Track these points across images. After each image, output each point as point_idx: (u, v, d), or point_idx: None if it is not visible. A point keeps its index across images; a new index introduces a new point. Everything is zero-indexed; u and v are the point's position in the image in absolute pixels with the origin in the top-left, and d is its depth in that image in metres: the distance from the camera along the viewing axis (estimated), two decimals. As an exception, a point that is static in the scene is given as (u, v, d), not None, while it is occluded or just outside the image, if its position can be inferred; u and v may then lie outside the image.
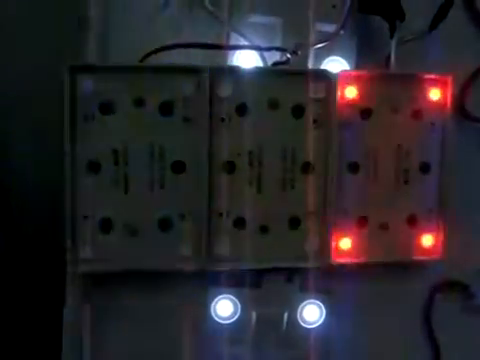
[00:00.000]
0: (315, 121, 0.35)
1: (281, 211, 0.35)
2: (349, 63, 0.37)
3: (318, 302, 0.37)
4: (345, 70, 0.37)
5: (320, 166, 0.36)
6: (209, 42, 0.35)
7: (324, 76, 0.35)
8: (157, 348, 0.37)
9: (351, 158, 0.36)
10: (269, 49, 0.36)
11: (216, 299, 0.36)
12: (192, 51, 0.34)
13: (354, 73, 0.36)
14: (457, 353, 0.40)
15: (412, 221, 0.37)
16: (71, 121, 0.33)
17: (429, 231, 0.37)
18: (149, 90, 0.34)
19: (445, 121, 0.37)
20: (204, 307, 0.36)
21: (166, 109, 0.34)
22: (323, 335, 0.37)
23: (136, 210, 0.34)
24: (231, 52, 0.36)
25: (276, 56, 0.36)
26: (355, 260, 0.37)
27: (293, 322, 0.37)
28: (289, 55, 0.35)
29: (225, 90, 0.34)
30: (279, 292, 0.37)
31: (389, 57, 0.36)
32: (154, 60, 0.34)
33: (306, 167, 0.36)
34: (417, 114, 0.37)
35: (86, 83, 0.33)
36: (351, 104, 0.36)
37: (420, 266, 0.39)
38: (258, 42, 0.36)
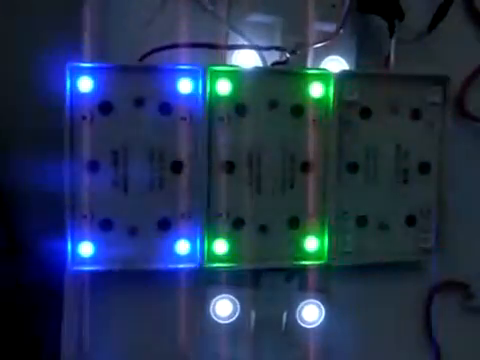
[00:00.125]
0: (314, 121, 0.35)
1: (280, 211, 0.35)
2: (348, 63, 0.37)
3: (317, 302, 0.37)
4: (344, 70, 0.37)
5: (319, 166, 0.36)
6: (208, 42, 0.35)
7: (323, 76, 0.35)
8: (156, 347, 0.37)
9: (350, 158, 0.36)
10: (268, 49, 0.36)
11: (215, 299, 0.36)
12: (191, 51, 0.34)
13: (354, 73, 0.36)
14: (457, 353, 0.40)
15: (411, 221, 0.37)
16: (71, 121, 0.33)
17: (428, 231, 0.37)
18: (148, 90, 0.34)
19: (444, 121, 0.37)
20: (203, 307, 0.36)
21: (165, 109, 0.34)
22: (322, 335, 0.37)
23: (135, 210, 0.34)
24: (230, 52, 0.36)
25: (275, 56, 0.36)
26: (354, 260, 0.36)
27: (292, 322, 0.37)
28: (288, 55, 0.35)
29: (224, 90, 0.34)
30: (278, 292, 0.36)
31: (388, 57, 0.36)
32: (153, 60, 0.34)
33: (305, 167, 0.36)
34: (416, 114, 0.37)
35: (85, 83, 0.33)
36: (350, 104, 0.36)
37: (419, 266, 0.39)
38: (257, 42, 0.36)
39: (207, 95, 0.34)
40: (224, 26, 0.36)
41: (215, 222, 0.35)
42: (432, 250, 0.37)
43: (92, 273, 0.35)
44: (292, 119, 0.35)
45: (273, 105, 0.35)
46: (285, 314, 0.37)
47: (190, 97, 0.34)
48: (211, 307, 0.36)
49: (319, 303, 0.37)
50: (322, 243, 0.36)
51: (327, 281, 0.37)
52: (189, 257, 0.35)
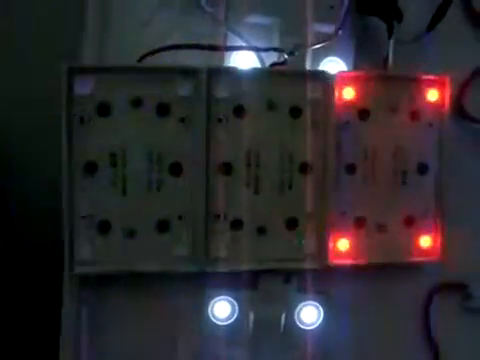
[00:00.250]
0: (313, 122, 0.35)
1: (278, 212, 0.35)
2: (347, 64, 0.37)
3: (316, 303, 0.37)
4: (343, 71, 0.37)
5: (318, 167, 0.36)
6: (206, 43, 0.35)
7: (322, 77, 0.35)
8: (155, 349, 0.37)
9: (349, 159, 0.36)
10: (267, 50, 0.35)
11: (214, 300, 0.36)
12: (189, 52, 0.34)
13: (352, 74, 0.36)
14: (456, 353, 0.40)
15: (410, 222, 0.37)
16: (68, 122, 0.33)
17: (427, 232, 0.37)
18: (146, 91, 0.34)
19: (443, 122, 0.37)
20: (202, 308, 0.36)
21: (163, 110, 0.34)
22: (321, 336, 0.37)
23: (134, 212, 0.34)
24: (228, 53, 0.36)
25: (274, 57, 0.36)
26: (353, 261, 0.36)
27: (291, 323, 0.37)
28: (287, 56, 0.35)
29: (222, 91, 0.34)
30: (277, 293, 0.36)
31: (387, 58, 0.36)
32: (151, 61, 0.34)
33: (304, 168, 0.35)
34: (415, 115, 0.37)
35: (83, 84, 0.33)
36: (349, 105, 0.36)
37: (418, 267, 0.39)
38: (255, 43, 0.36)
39: (205, 96, 0.34)
40: (222, 27, 0.36)
41: (213, 224, 0.35)
42: (431, 251, 0.37)
43: (90, 275, 0.35)
44: (290, 120, 0.35)
45: (271, 106, 0.35)
46: (284, 315, 0.37)
47: (188, 98, 0.34)
48: (210, 309, 0.36)
49: (318, 304, 0.37)
50: (321, 244, 0.36)
51: (326, 282, 0.37)
52: (187, 259, 0.35)
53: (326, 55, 0.37)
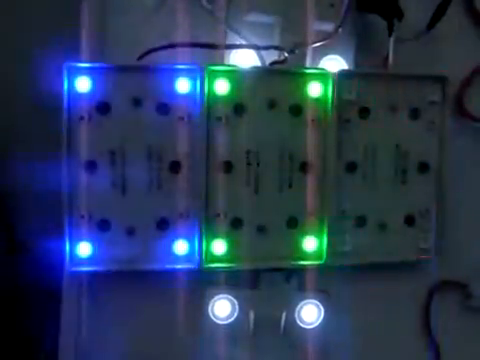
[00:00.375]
0: (313, 120, 0.35)
1: (279, 211, 0.35)
2: (347, 62, 0.37)
3: (316, 302, 0.37)
4: (343, 69, 0.36)
5: (318, 166, 0.35)
6: (206, 41, 0.35)
7: (322, 75, 0.35)
8: (154, 348, 0.37)
9: (349, 158, 0.36)
10: (267, 48, 0.35)
11: (214, 299, 0.36)
12: (189, 50, 0.34)
13: (352, 72, 0.36)
14: (456, 353, 0.40)
15: (410, 221, 0.37)
16: (68, 121, 0.33)
17: (427, 231, 0.37)
18: (146, 90, 0.34)
19: (444, 120, 0.37)
20: (202, 307, 0.36)
21: (163, 109, 0.34)
22: (321, 335, 0.37)
23: (133, 210, 0.34)
24: (228, 51, 0.36)
25: (274, 55, 0.36)
26: (353, 260, 0.36)
27: (291, 322, 0.37)
28: (287, 54, 0.35)
29: (222, 90, 0.34)
30: (277, 292, 0.36)
31: (387, 56, 0.36)
32: (151, 60, 0.34)
33: (304, 167, 0.35)
34: (415, 113, 0.37)
35: (83, 83, 0.33)
36: (349, 103, 0.36)
37: (418, 266, 0.39)
38: (255, 41, 0.36)
39: (205, 95, 0.34)
40: (222, 26, 0.36)
41: (213, 222, 0.35)
42: (431, 250, 0.37)
43: (90, 273, 0.35)
44: (290, 119, 0.35)
45: (271, 105, 0.35)
46: (284, 314, 0.37)
47: (188, 97, 0.34)
48: (210, 307, 0.36)
49: (318, 303, 0.37)
50: (321, 243, 0.36)
51: (326, 281, 0.37)
52: (187, 257, 0.35)
53: (326, 53, 0.37)
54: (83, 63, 0.34)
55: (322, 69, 0.36)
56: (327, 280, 0.37)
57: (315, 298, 0.37)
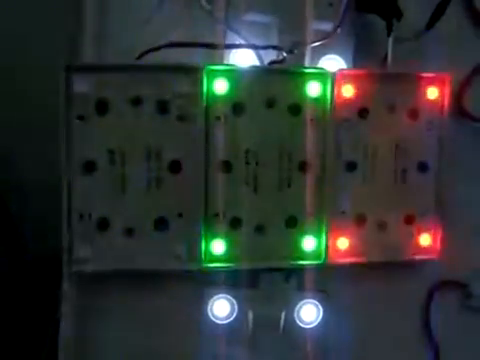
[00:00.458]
0: (312, 120, 0.35)
1: (278, 211, 0.35)
2: (346, 62, 0.37)
3: (315, 302, 0.37)
4: (342, 69, 0.36)
5: (317, 165, 0.35)
6: (205, 41, 0.35)
7: (321, 75, 0.35)
8: (153, 348, 0.37)
9: (348, 157, 0.36)
10: (265, 48, 0.35)
11: (213, 299, 0.36)
12: (188, 50, 0.34)
13: (351, 72, 0.36)
14: (456, 352, 0.40)
15: (410, 220, 0.37)
16: (67, 121, 0.33)
17: (427, 230, 0.37)
18: (145, 89, 0.34)
19: (443, 120, 0.37)
20: (201, 307, 0.36)
21: (162, 108, 0.34)
22: (321, 335, 0.37)
23: (132, 210, 0.34)
24: (227, 51, 0.36)
25: (273, 55, 0.36)
26: (353, 260, 0.36)
27: (290, 322, 0.37)
28: (285, 54, 0.35)
29: (222, 89, 0.34)
30: (276, 292, 0.36)
31: (386, 56, 0.36)
32: (150, 59, 0.34)
33: (303, 166, 0.35)
34: (415, 113, 0.37)
35: (82, 82, 0.33)
36: (348, 103, 0.36)
37: (418, 265, 0.39)
38: (254, 41, 0.36)
39: (204, 94, 0.34)
40: (221, 25, 0.36)
41: (212, 222, 0.35)
42: (430, 249, 0.37)
43: (89, 273, 0.35)
44: (289, 118, 0.35)
45: (270, 104, 0.35)
46: (283, 314, 0.37)
47: (187, 96, 0.34)
48: (209, 307, 0.36)
49: (317, 303, 0.37)
50: (320, 243, 0.36)
51: (325, 281, 0.37)
52: (186, 257, 0.35)
53: (325, 53, 0.37)
54: (82, 63, 0.34)
55: (321, 69, 0.36)
56: (326, 280, 0.37)
57: (314, 298, 0.37)
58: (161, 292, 0.36)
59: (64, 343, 0.36)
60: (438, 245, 0.37)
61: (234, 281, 0.36)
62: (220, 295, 0.36)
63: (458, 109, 0.39)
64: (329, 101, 0.35)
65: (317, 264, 0.36)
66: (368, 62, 0.38)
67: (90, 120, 0.33)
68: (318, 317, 0.37)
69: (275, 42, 0.36)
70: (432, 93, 0.37)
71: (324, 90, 0.35)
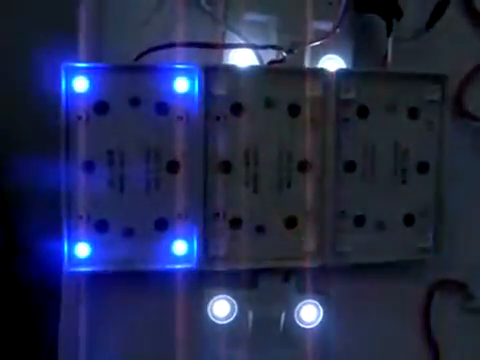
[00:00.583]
0: (312, 120, 0.35)
1: (277, 211, 0.35)
2: (346, 61, 0.37)
3: (315, 302, 0.37)
4: (342, 68, 0.36)
5: (317, 165, 0.35)
6: (205, 41, 0.35)
7: (321, 74, 0.35)
8: (153, 349, 0.37)
9: (348, 157, 0.36)
10: (265, 47, 0.35)
11: (213, 299, 0.36)
12: (187, 50, 0.34)
13: (351, 71, 0.36)
14: (456, 353, 0.40)
15: (409, 220, 0.37)
16: (66, 121, 0.33)
17: (426, 230, 0.37)
18: (144, 90, 0.34)
19: (443, 120, 0.37)
20: (201, 307, 0.36)
21: (161, 109, 0.34)
22: (321, 335, 0.37)
23: (132, 210, 0.34)
24: (227, 51, 0.36)
25: (272, 54, 0.36)
26: (352, 260, 0.36)
27: (290, 322, 0.37)
28: (285, 53, 0.35)
29: (220, 89, 0.34)
30: (276, 292, 0.36)
31: (386, 55, 0.36)
32: (149, 59, 0.34)
33: (303, 166, 0.35)
34: (414, 113, 0.37)
35: (81, 83, 0.33)
36: (348, 103, 0.36)
37: (418, 266, 0.39)
38: (254, 40, 0.36)
39: (203, 94, 0.34)
40: (221, 25, 0.36)
41: (212, 222, 0.35)
42: (430, 250, 0.37)
43: (89, 274, 0.35)
44: (289, 118, 0.35)
45: (270, 104, 0.35)
46: (283, 314, 0.36)
47: (186, 96, 0.34)
48: (209, 308, 0.36)
49: (317, 303, 0.37)
50: (320, 242, 0.36)
51: (325, 281, 0.37)
52: (186, 257, 0.35)
53: (325, 53, 0.37)
54: (81, 63, 0.34)
55: (321, 69, 0.36)
56: (326, 280, 0.37)
57: (314, 298, 0.37)
58: (160, 293, 0.36)
59: (64, 343, 0.36)
60: (438, 245, 0.37)
61: (234, 282, 0.36)
62: (220, 295, 0.36)
63: (458, 109, 0.39)
64: (329, 101, 0.35)
65: (317, 264, 0.36)
66: (368, 62, 0.38)
67: (89, 120, 0.33)
68: (318, 317, 0.37)
69: (274, 42, 0.36)
70: (432, 93, 0.37)
71: (324, 90, 0.35)
